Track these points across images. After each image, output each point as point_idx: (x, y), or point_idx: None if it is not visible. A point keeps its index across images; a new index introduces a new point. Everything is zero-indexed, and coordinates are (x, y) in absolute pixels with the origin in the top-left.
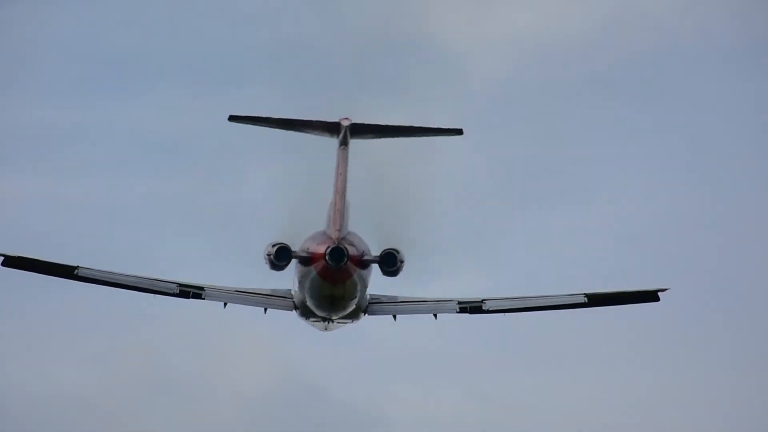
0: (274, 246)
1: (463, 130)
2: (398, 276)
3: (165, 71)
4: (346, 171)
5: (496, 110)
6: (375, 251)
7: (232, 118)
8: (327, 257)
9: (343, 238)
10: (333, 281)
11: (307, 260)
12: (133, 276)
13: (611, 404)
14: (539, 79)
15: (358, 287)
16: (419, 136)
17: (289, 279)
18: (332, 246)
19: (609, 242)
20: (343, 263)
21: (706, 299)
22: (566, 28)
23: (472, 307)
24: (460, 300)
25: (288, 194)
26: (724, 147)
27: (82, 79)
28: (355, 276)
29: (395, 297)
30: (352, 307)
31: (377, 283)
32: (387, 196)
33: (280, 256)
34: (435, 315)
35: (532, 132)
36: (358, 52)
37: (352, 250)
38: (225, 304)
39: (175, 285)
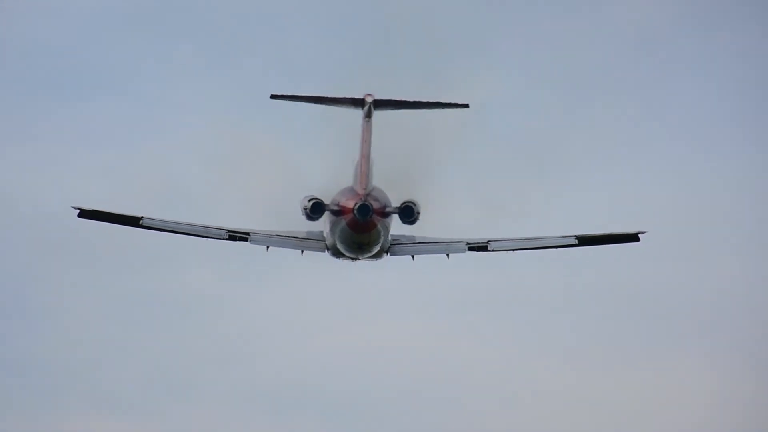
0: (309, 200)
1: (469, 105)
2: (415, 224)
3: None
4: (370, 138)
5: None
6: (396, 202)
7: (274, 97)
8: (355, 211)
9: (368, 194)
10: (360, 231)
11: (337, 212)
12: (189, 224)
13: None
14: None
15: (381, 234)
16: (431, 108)
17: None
18: (360, 202)
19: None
20: (368, 216)
21: (683, 241)
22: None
23: (479, 247)
24: (468, 241)
25: (323, 154)
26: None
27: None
28: (379, 226)
29: (413, 237)
30: (376, 249)
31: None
32: (408, 158)
33: (314, 209)
34: (447, 254)
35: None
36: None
37: (375, 205)
38: (267, 247)
39: (224, 231)
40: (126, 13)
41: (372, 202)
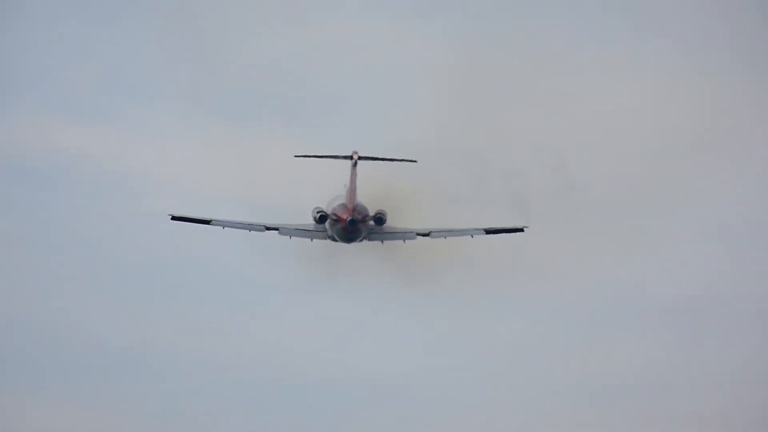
0: (318, 212)
1: (417, 160)
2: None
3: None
4: (355, 179)
5: None
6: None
7: (297, 156)
8: (347, 223)
9: (354, 209)
10: (349, 231)
11: (336, 220)
12: (238, 222)
13: None
14: None
15: (362, 231)
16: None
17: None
18: (349, 217)
19: None
20: (354, 225)
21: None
22: None
23: (423, 234)
24: (417, 230)
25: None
26: None
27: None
28: (361, 227)
29: (395, 227)
30: (359, 239)
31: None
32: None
33: (321, 219)
34: (404, 240)
35: None
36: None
37: (359, 217)
38: (290, 237)
39: (263, 226)
40: None
41: (356, 216)
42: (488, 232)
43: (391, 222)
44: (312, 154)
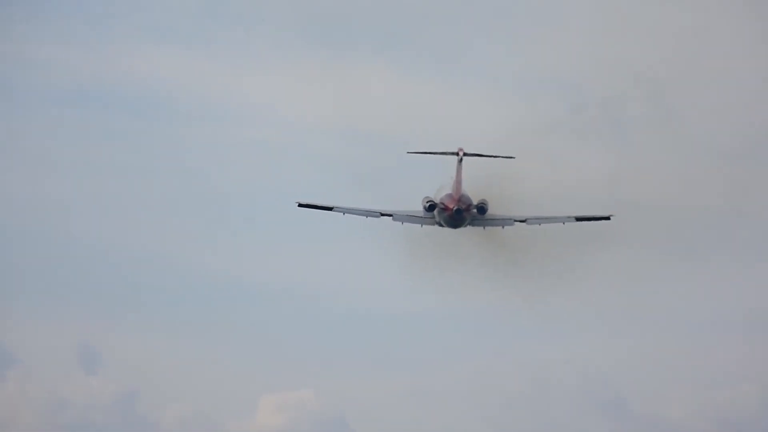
0: (427, 202)
1: (515, 157)
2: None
3: None
4: (461, 172)
5: None
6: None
7: (410, 153)
8: (453, 211)
9: (460, 199)
10: (455, 219)
11: (443, 209)
12: (357, 208)
13: None
14: None
15: (467, 219)
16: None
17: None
18: (456, 206)
19: None
20: (461, 214)
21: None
22: None
23: (521, 221)
24: (515, 217)
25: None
26: None
27: None
28: (465, 215)
29: (496, 214)
30: (464, 225)
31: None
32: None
33: (430, 207)
34: (503, 226)
35: None
36: None
37: (464, 206)
38: (402, 222)
39: (378, 212)
40: None
41: (461, 206)
42: (578, 219)
43: (492, 210)
44: (423, 151)
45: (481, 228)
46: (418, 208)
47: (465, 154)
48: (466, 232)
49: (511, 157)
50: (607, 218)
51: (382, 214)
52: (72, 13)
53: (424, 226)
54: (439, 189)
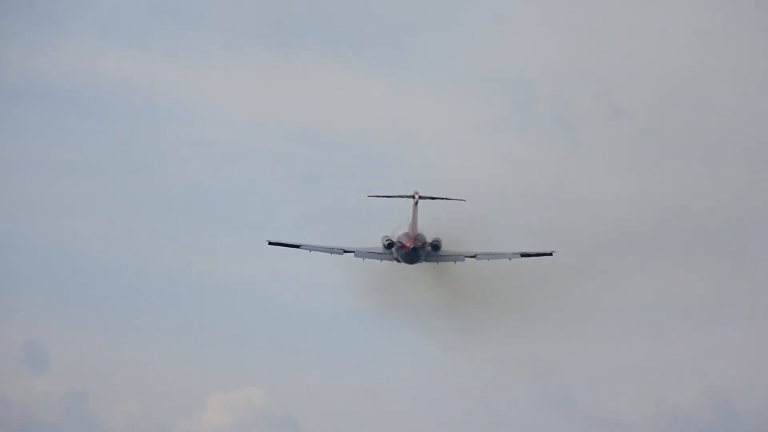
0: (386, 240)
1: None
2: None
3: None
4: (416, 213)
5: None
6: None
7: (371, 196)
8: (410, 249)
9: (416, 238)
10: (411, 256)
11: (400, 247)
12: (322, 245)
13: None
14: None
15: (422, 255)
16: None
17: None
18: (412, 245)
19: None
20: (417, 251)
21: None
22: None
23: (470, 256)
24: (466, 253)
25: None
26: None
27: None
28: (421, 252)
29: (449, 251)
30: (419, 261)
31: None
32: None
33: (389, 245)
34: (455, 261)
35: None
36: None
37: (419, 244)
38: (363, 258)
39: (341, 249)
40: None
41: (417, 244)
42: (523, 255)
43: (446, 247)
44: (382, 195)
45: (435, 263)
46: (378, 245)
47: (420, 197)
48: (421, 268)
49: (462, 200)
50: (550, 254)
51: (345, 251)
52: (19, 12)
53: (383, 261)
54: (396, 228)
